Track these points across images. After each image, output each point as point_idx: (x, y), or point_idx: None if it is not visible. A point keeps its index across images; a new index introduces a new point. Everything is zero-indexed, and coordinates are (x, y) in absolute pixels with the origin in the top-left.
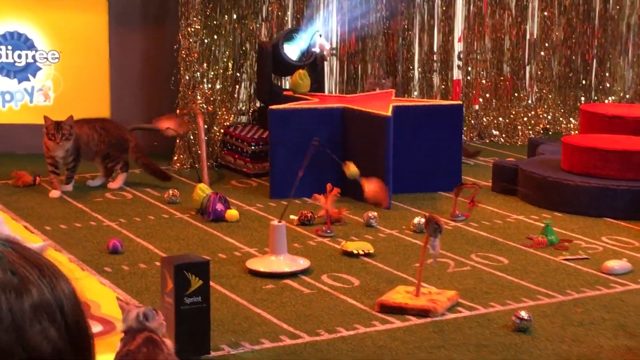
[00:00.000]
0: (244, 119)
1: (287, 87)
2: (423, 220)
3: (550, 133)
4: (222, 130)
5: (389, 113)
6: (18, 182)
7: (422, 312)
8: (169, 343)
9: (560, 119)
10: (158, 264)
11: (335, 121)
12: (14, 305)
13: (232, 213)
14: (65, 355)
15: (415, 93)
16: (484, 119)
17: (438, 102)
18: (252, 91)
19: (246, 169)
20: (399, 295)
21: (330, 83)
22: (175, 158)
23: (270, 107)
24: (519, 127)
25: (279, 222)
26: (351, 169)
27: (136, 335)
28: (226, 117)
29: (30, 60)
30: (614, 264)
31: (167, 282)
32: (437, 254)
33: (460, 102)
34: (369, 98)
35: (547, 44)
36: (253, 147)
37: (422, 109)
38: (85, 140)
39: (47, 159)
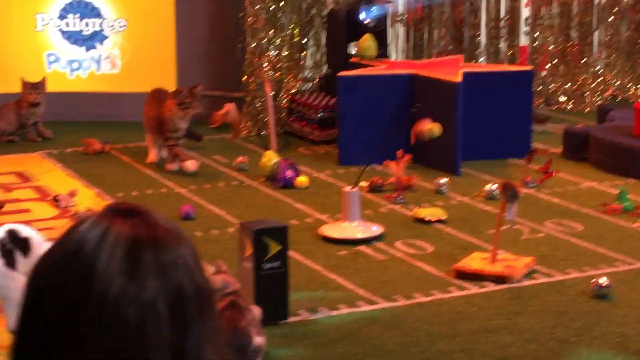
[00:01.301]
0: (309, 86)
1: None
2: (495, 187)
3: (618, 100)
4: (288, 98)
5: (459, 79)
6: (87, 149)
7: (498, 279)
8: (256, 310)
9: (629, 85)
10: (231, 230)
11: (404, 88)
12: (181, 252)
13: (302, 180)
14: (210, 292)
15: (482, 59)
16: (551, 86)
17: (507, 67)
18: (318, 58)
19: (313, 136)
20: (475, 262)
21: (396, 50)
22: (242, 125)
23: (339, 73)
24: (587, 93)
25: (352, 188)
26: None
27: (220, 300)
28: (292, 84)
29: (97, 28)
30: None
31: (246, 248)
32: (514, 220)
33: (531, 68)
34: (437, 64)
35: (615, 9)
36: (320, 114)
37: (491, 75)
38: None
39: (168, 132)
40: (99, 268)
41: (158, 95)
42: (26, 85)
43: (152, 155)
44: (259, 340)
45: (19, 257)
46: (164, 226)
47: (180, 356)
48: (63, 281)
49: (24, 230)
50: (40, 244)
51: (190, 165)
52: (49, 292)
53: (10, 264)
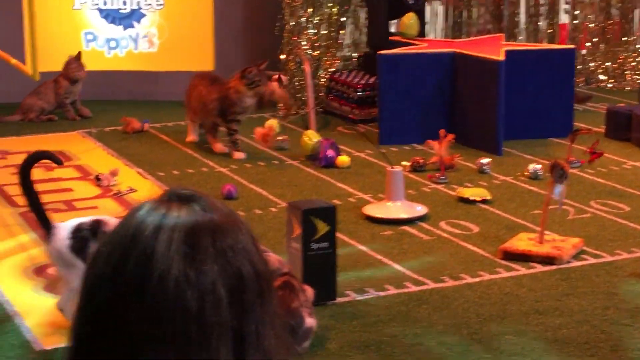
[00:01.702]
0: (348, 64)
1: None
2: (538, 166)
3: None
4: (327, 76)
5: (502, 57)
6: (127, 128)
7: (547, 260)
8: (310, 291)
9: None
10: (274, 209)
11: (445, 66)
12: (240, 237)
13: (344, 159)
14: (270, 276)
15: (521, 37)
16: (591, 64)
17: (549, 46)
18: (357, 36)
19: (352, 115)
20: (522, 242)
21: (434, 28)
22: (281, 105)
23: (379, 52)
24: (627, 72)
25: (396, 168)
26: None
27: (275, 280)
28: (331, 63)
29: (135, 6)
30: None
31: (294, 228)
32: (562, 200)
33: (573, 46)
34: (478, 43)
35: None
36: (359, 93)
37: (533, 53)
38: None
39: (232, 115)
40: (158, 252)
41: (214, 78)
42: (72, 60)
43: (192, 136)
44: (310, 321)
45: (91, 247)
46: (222, 211)
47: (240, 341)
48: (122, 265)
49: (112, 223)
50: None
51: (239, 155)
52: (108, 277)
53: (78, 250)
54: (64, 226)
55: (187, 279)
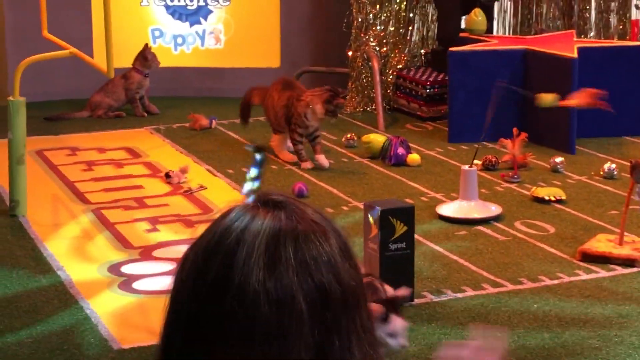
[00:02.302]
0: (416, 61)
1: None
2: (613, 166)
3: None
4: (394, 73)
5: (575, 54)
6: (195, 125)
7: (627, 262)
8: (390, 290)
9: None
10: (345, 208)
11: (517, 63)
12: (326, 248)
13: (414, 157)
14: (360, 289)
15: (592, 34)
16: None
17: (623, 42)
18: (424, 33)
19: (421, 112)
20: (602, 244)
21: (503, 24)
22: (348, 102)
23: (450, 48)
24: None
25: (470, 167)
26: (547, 98)
27: None
28: (398, 59)
29: (201, 3)
30: None
31: (372, 228)
32: None
33: None
34: (550, 39)
35: None
36: (428, 90)
37: (605, 50)
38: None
39: (294, 126)
40: (239, 260)
41: (288, 83)
42: (147, 50)
43: (285, 156)
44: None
45: None
46: (311, 219)
47: (323, 356)
48: (204, 271)
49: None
50: None
51: (306, 165)
52: (190, 282)
53: None
54: None
55: (266, 289)
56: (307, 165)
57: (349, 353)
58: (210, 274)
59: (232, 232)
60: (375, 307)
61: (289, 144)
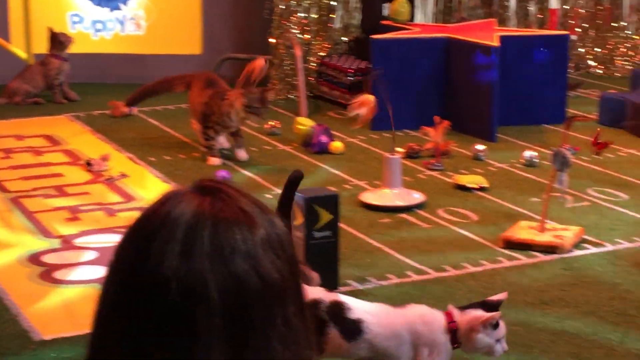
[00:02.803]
0: (339, 48)
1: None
2: (534, 154)
3: None
4: (317, 61)
5: (496, 43)
6: (115, 112)
7: (549, 249)
8: (316, 276)
9: None
10: (269, 196)
11: (439, 51)
12: (247, 237)
13: (337, 145)
14: (287, 283)
15: (512, 22)
16: (581, 50)
17: (543, 31)
18: (347, 20)
19: (343, 100)
20: (523, 231)
21: (424, 13)
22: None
23: (372, 36)
24: (617, 58)
25: (393, 154)
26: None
27: None
28: (321, 47)
29: None
30: None
31: (297, 216)
32: (565, 189)
33: (567, 32)
34: (472, 28)
35: None
36: (351, 78)
37: (526, 39)
38: None
39: (214, 124)
40: (156, 245)
41: (211, 81)
42: (54, 32)
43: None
44: None
45: (329, 333)
46: (240, 207)
47: (241, 351)
48: (126, 256)
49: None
50: None
51: (214, 161)
52: (112, 268)
53: None
54: None
55: (178, 274)
56: (215, 161)
57: (268, 350)
58: (130, 259)
59: (156, 217)
60: (492, 315)
61: None
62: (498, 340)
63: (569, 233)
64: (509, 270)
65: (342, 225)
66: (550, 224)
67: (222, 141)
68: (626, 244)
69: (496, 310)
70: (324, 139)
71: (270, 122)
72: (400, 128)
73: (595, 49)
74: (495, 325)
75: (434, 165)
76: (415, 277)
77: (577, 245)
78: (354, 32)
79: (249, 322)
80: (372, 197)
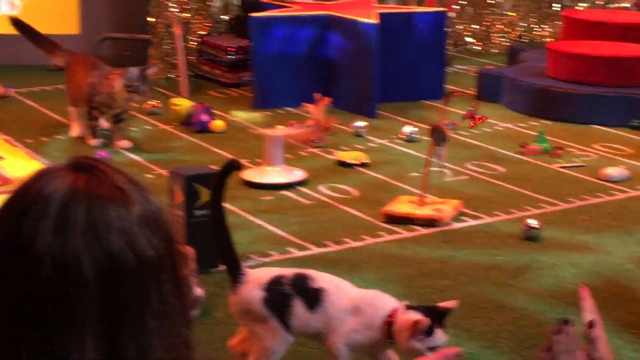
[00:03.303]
0: (219, 27)
1: None
2: (414, 129)
3: (524, 40)
4: (198, 39)
5: (375, 20)
6: None
7: (428, 222)
8: (191, 252)
9: (534, 26)
10: (150, 176)
11: (319, 29)
12: (123, 214)
13: (218, 124)
14: (164, 260)
15: (391, 0)
16: (459, 27)
17: (421, 8)
18: None
19: (224, 78)
20: (403, 205)
21: None
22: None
23: (251, 14)
24: (494, 34)
25: (274, 132)
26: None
27: None
28: (201, 26)
29: None
30: (611, 171)
31: (176, 195)
32: (443, 163)
33: (444, 9)
34: (352, 5)
35: None
36: (231, 56)
37: (404, 16)
38: None
39: (97, 104)
40: (28, 221)
41: (89, 61)
42: None
43: (76, 129)
44: (198, 291)
45: (293, 306)
46: (115, 185)
47: (116, 328)
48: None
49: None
50: None
51: (93, 142)
52: None
53: (275, 306)
54: (258, 275)
55: (51, 252)
56: (94, 142)
57: (142, 327)
58: (2, 236)
59: (29, 194)
60: (421, 320)
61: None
62: (432, 349)
63: (447, 206)
64: (390, 244)
65: (224, 203)
66: (429, 198)
67: (102, 122)
68: (503, 216)
69: (441, 317)
70: (204, 117)
71: (150, 102)
72: (281, 106)
73: (473, 26)
74: (429, 332)
75: (315, 142)
76: (297, 253)
77: (456, 218)
78: (234, 11)
79: (124, 299)
80: (254, 174)
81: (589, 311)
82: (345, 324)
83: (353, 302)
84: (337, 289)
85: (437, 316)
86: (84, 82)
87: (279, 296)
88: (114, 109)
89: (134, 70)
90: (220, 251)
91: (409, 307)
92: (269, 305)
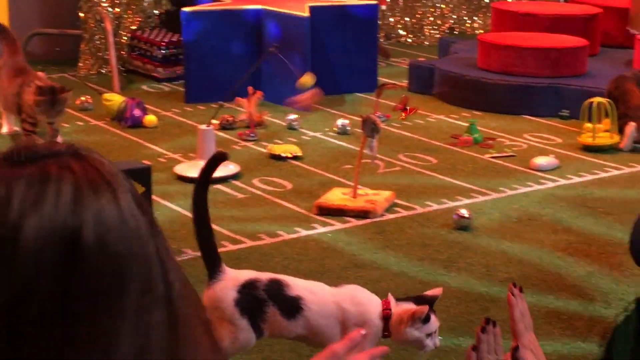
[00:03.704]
0: (150, 22)
1: None
2: (346, 122)
3: (456, 32)
4: (129, 34)
5: (307, 13)
6: None
7: (361, 213)
8: None
9: (465, 18)
10: None
11: (251, 22)
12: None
13: (151, 119)
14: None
15: None
16: (391, 19)
17: (353, 2)
18: None
19: (157, 73)
20: (336, 197)
21: None
22: (81, 64)
23: (182, 8)
24: (426, 27)
25: (207, 126)
26: (307, 79)
27: None
28: (132, 20)
29: None
30: (541, 160)
31: None
32: (375, 154)
33: (376, 2)
34: None
35: None
36: (163, 51)
37: (336, 9)
38: None
39: (31, 120)
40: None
41: (21, 69)
42: None
43: (7, 127)
44: None
45: (267, 312)
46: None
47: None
48: None
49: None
50: None
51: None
52: None
53: (245, 309)
54: (235, 275)
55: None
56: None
57: (104, 335)
58: None
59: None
60: (420, 309)
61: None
62: (429, 335)
63: (380, 198)
64: (323, 236)
65: (157, 198)
66: (362, 190)
67: (8, 127)
68: (435, 206)
69: (431, 304)
70: (137, 112)
71: (81, 97)
72: (214, 100)
73: (405, 19)
74: (426, 320)
75: (248, 135)
76: (231, 246)
77: (389, 209)
78: (165, 5)
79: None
80: (187, 169)
81: (518, 322)
82: (334, 327)
83: (335, 304)
84: (312, 294)
85: (429, 304)
86: (10, 93)
87: (252, 300)
88: (37, 123)
89: (46, 88)
90: (200, 245)
91: (398, 300)
92: (240, 307)
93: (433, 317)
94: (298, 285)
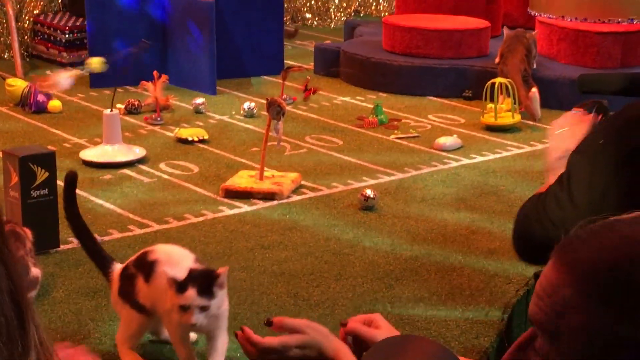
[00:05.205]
0: (53, 6)
1: None
2: (252, 105)
3: (361, 15)
4: (32, 19)
5: None
6: None
7: (268, 196)
8: (29, 233)
9: (371, 1)
10: None
11: (156, 5)
12: None
13: (55, 104)
14: None
15: None
16: (297, 2)
17: None
18: None
19: (61, 58)
20: (243, 180)
21: None
22: None
23: None
24: (331, 9)
25: (112, 110)
26: (97, 63)
27: None
28: (35, 4)
29: None
30: (445, 140)
31: (11, 176)
32: (280, 137)
33: None
34: None
35: None
36: (67, 35)
37: None
38: None
39: None
40: None
41: None
42: None
43: None
44: (35, 271)
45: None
46: None
47: None
48: None
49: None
50: None
51: None
52: None
53: (126, 293)
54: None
55: None
56: None
57: None
58: None
59: None
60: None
61: None
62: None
63: (286, 179)
64: (230, 218)
65: (62, 183)
66: (269, 172)
67: None
68: (341, 187)
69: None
70: (41, 98)
71: None
72: (120, 84)
73: (311, 1)
74: (181, 289)
75: (155, 119)
76: (138, 230)
77: (295, 190)
78: None
79: None
80: (93, 154)
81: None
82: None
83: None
84: (169, 257)
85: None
86: None
87: (126, 281)
88: None
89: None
90: (89, 255)
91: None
92: (121, 294)
93: (191, 291)
94: (157, 250)
